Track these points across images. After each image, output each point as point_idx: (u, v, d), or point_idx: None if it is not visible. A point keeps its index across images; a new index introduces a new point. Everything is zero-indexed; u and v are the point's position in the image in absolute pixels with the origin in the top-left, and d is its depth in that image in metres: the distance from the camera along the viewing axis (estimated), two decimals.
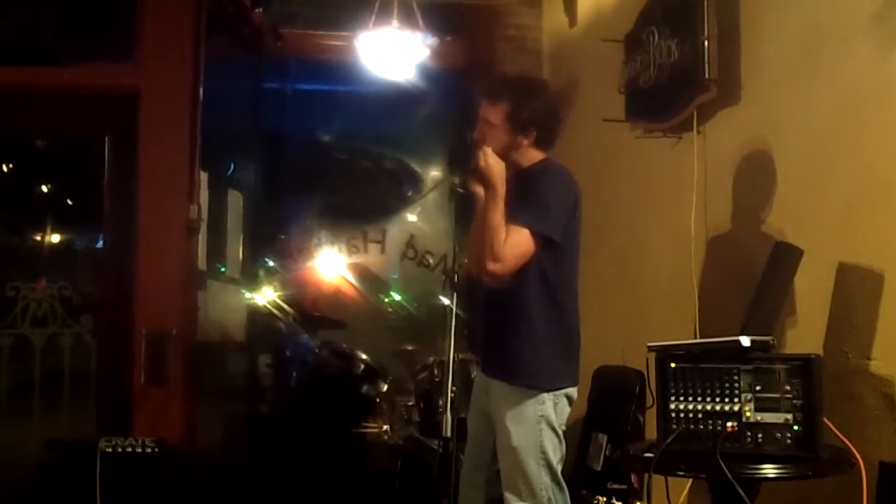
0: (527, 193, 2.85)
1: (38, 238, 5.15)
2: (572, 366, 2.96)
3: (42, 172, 5.17)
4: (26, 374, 4.71)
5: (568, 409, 2.93)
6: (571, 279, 2.98)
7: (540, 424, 2.83)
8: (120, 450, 4.07)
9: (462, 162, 2.91)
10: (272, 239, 6.35)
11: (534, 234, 2.79)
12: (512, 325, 2.90)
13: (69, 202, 5.38)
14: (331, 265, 6.40)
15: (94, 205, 4.86)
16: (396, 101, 5.68)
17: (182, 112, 4.72)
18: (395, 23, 4.51)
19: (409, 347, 5.10)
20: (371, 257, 6.53)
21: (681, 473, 2.67)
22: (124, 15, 4.74)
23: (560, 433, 2.89)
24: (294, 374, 5.75)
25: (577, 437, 3.83)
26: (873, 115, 2.72)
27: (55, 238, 5.21)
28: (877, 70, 2.70)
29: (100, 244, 5.03)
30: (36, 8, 4.60)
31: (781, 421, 2.39)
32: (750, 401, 2.43)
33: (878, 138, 2.70)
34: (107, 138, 4.84)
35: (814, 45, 3.00)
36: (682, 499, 3.30)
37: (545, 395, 2.85)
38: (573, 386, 2.94)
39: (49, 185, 5.25)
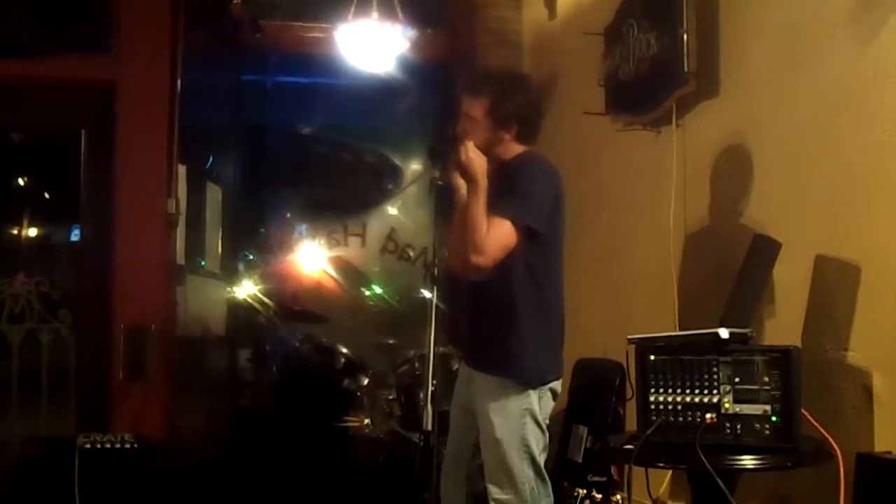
0: (508, 186, 2.85)
1: (15, 232, 5.10)
2: (556, 358, 2.96)
3: (18, 166, 5.11)
4: (4, 371, 4.67)
5: (552, 404, 2.94)
6: (556, 271, 2.98)
7: (524, 418, 2.84)
8: (98, 445, 4.04)
9: (443, 155, 2.90)
10: (252, 233, 6.32)
11: (515, 225, 2.79)
12: (497, 318, 2.90)
13: (46, 196, 5.33)
14: (311, 259, 6.38)
15: (72, 199, 4.81)
16: (376, 93, 5.67)
17: (160, 105, 4.67)
18: (374, 15, 4.49)
19: (390, 341, 5.10)
20: (351, 251, 6.52)
21: (661, 465, 2.69)
22: (101, 6, 4.69)
23: (543, 427, 2.90)
24: (275, 369, 5.74)
25: (559, 429, 3.85)
26: (853, 108, 2.74)
27: (32, 232, 5.16)
28: (856, 64, 2.72)
29: (77, 238, 4.99)
30: None
31: (760, 412, 2.40)
32: (729, 392, 2.44)
33: (857, 132, 2.71)
34: (83, 131, 4.78)
35: (793, 38, 3.01)
36: (662, 490, 3.32)
37: (529, 389, 2.85)
38: (557, 379, 2.95)
39: (25, 179, 5.20)
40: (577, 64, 4.41)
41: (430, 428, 2.64)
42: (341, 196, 6.57)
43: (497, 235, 2.77)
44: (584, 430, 3.80)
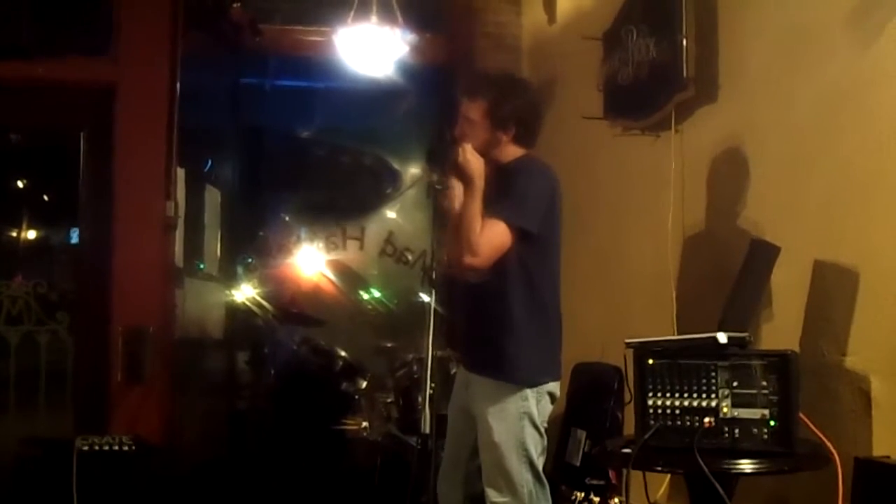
0: (504, 188, 2.86)
1: (14, 234, 5.10)
2: (554, 360, 2.97)
3: (17, 167, 5.11)
4: (1, 372, 4.66)
5: (550, 407, 2.94)
6: (552, 273, 2.98)
7: (522, 421, 2.84)
8: (97, 448, 4.04)
9: (441, 159, 2.91)
10: (251, 236, 6.32)
11: (509, 226, 2.80)
12: (494, 320, 2.90)
13: (45, 198, 5.33)
14: (309, 262, 6.38)
15: (70, 200, 4.81)
16: (375, 97, 5.67)
17: (159, 107, 4.68)
18: (373, 18, 4.49)
19: (388, 344, 5.10)
20: (350, 254, 6.51)
21: (658, 469, 2.68)
22: (101, 8, 4.70)
23: (542, 430, 2.90)
24: (273, 371, 5.73)
25: (557, 432, 3.85)
26: (851, 112, 2.74)
27: (31, 234, 5.16)
28: (855, 67, 2.72)
29: (76, 240, 4.99)
30: (10, 1, 4.54)
31: (758, 416, 2.40)
32: (727, 396, 2.44)
33: (855, 136, 2.72)
34: (82, 133, 4.79)
35: (792, 43, 3.02)
36: (660, 494, 3.32)
37: (527, 391, 2.85)
38: (555, 381, 2.95)
39: (24, 181, 5.20)
40: (576, 68, 4.42)
41: (427, 431, 2.64)
42: (340, 199, 6.56)
43: (491, 236, 2.78)
44: (582, 434, 3.79)
